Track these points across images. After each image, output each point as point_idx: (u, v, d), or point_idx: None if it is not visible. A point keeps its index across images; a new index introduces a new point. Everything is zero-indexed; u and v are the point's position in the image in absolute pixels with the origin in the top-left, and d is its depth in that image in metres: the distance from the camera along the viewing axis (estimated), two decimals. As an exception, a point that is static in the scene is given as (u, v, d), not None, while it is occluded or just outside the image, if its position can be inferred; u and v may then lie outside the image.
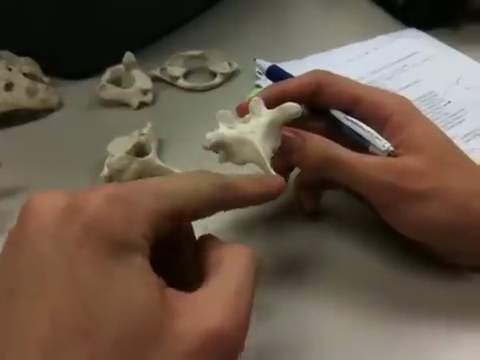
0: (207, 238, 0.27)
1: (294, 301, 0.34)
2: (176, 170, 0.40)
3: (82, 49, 0.56)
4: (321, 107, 0.37)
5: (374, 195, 0.33)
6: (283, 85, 0.37)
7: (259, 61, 0.42)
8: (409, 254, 0.36)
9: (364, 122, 0.35)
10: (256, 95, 0.35)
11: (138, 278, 0.21)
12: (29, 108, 0.51)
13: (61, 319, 0.20)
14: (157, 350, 0.20)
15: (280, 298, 0.34)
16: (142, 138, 0.45)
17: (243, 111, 0.34)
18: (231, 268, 0.24)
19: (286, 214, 0.40)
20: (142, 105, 0.53)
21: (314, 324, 0.33)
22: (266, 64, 0.42)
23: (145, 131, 0.46)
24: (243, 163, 0.32)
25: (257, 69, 0.56)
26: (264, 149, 0.31)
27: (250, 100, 0.33)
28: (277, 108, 0.31)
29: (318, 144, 0.33)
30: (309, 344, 0.32)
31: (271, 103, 0.33)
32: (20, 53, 0.54)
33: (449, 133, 0.45)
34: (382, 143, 0.33)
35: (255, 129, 0.31)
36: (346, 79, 0.37)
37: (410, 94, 0.51)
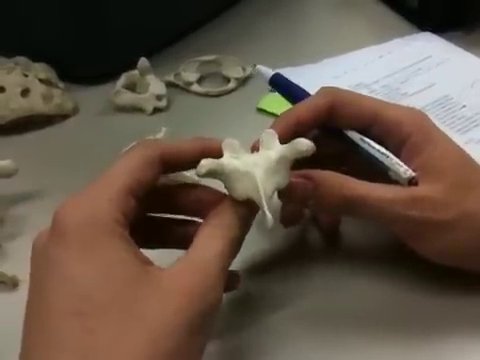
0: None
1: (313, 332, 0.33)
2: (188, 174, 0.40)
3: (97, 55, 0.57)
4: (335, 127, 0.35)
5: (399, 229, 0.33)
6: (296, 112, 0.34)
7: (260, 67, 0.39)
8: (428, 277, 0.35)
9: (381, 142, 0.34)
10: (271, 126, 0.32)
11: (117, 255, 0.25)
12: (45, 113, 0.52)
13: (56, 308, 0.23)
14: (147, 306, 0.23)
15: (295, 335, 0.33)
16: (156, 143, 0.45)
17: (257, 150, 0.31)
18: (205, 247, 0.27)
19: (302, 250, 0.39)
20: (156, 110, 0.53)
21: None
22: (269, 72, 0.39)
23: (159, 136, 0.46)
24: (241, 198, 0.28)
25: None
26: (265, 185, 0.28)
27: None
28: (288, 144, 0.28)
29: (333, 185, 0.31)
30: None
31: (289, 135, 0.31)
32: (36, 59, 0.55)
33: (465, 137, 0.45)
34: (403, 170, 0.32)
35: (260, 162, 0.28)
36: (360, 96, 0.35)
37: (425, 98, 0.51)
